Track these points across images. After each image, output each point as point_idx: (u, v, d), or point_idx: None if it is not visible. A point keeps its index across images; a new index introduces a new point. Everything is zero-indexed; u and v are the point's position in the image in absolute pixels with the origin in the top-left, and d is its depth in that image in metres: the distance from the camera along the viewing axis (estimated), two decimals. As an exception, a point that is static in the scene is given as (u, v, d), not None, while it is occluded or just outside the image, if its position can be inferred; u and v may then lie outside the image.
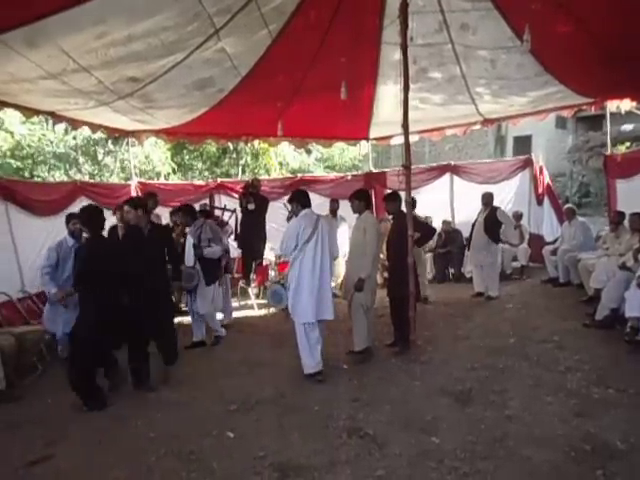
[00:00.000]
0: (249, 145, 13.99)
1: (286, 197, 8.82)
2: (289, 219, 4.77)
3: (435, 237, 7.42)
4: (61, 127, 11.94)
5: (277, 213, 7.74)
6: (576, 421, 3.36)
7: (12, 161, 13.15)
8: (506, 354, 4.76)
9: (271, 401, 4.03)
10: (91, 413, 3.98)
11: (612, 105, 6.69)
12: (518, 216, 8.40)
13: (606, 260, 6.01)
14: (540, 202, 8.83)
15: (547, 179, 8.87)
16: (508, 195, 9.02)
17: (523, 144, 17.33)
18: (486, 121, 8.09)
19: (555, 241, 8.12)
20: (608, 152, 8.06)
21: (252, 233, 7.57)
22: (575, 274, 7.01)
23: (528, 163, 8.89)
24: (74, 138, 13.97)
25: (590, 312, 5.58)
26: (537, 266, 8.50)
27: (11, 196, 5.89)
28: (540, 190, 8.77)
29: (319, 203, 8.90)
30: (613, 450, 2.98)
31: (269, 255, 8.02)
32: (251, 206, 7.46)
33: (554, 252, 7.68)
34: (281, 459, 3.10)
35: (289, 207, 4.74)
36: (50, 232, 6.08)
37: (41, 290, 5.66)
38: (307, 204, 4.59)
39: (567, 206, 8.19)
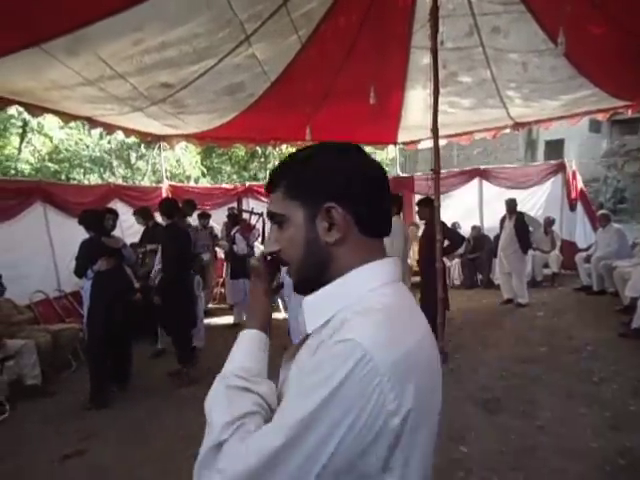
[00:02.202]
0: (277, 149, 14.11)
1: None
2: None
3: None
4: (96, 132, 12.36)
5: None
6: (611, 434, 3.26)
7: (50, 164, 13.64)
8: (537, 363, 4.66)
9: (297, 404, 4.04)
10: (123, 409, 4.09)
11: (650, 108, 6.50)
12: (550, 222, 8.22)
13: (643, 268, 5.81)
14: (573, 208, 8.61)
15: (580, 184, 8.64)
16: (539, 200, 8.84)
17: (555, 148, 16.92)
18: (517, 125, 7.94)
19: (589, 248, 7.90)
20: (646, 157, 7.81)
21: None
22: (610, 282, 6.81)
23: (560, 168, 8.68)
24: (109, 142, 14.40)
25: (626, 321, 5.42)
26: (569, 273, 8.29)
27: (49, 198, 6.12)
28: (573, 195, 8.56)
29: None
30: (650, 465, 2.87)
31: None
32: None
33: (587, 259, 7.49)
34: (307, 462, 3.10)
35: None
36: (85, 233, 6.26)
37: (76, 289, 5.86)
38: None
39: (601, 212, 7.95)
